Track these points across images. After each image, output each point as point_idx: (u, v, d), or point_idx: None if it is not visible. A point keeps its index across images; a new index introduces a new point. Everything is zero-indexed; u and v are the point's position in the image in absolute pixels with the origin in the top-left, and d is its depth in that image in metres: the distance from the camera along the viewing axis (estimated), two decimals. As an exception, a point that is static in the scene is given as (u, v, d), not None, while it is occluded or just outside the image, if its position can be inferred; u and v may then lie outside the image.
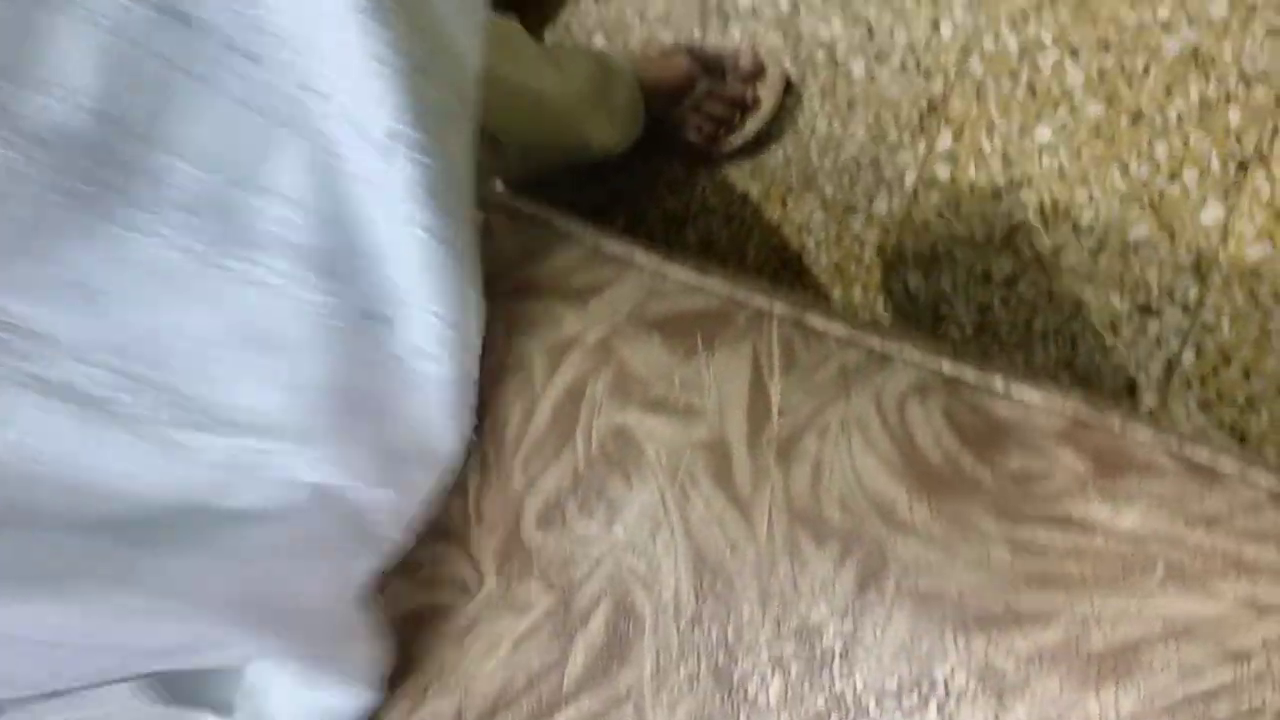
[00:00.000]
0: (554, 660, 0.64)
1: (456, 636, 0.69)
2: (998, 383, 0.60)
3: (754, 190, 1.20)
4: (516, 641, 0.66)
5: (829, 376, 0.61)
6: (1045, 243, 1.05)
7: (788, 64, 1.18)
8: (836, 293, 1.14)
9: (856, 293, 1.13)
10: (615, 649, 0.63)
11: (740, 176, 1.21)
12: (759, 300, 0.66)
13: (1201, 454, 0.55)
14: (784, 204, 1.18)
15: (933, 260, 1.10)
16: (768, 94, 1.18)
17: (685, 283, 0.68)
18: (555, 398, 0.66)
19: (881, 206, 1.13)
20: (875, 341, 0.63)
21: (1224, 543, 0.52)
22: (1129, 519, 0.54)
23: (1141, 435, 0.56)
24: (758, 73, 1.17)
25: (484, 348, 0.68)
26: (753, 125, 1.19)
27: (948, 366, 0.61)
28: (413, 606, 0.71)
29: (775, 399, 0.61)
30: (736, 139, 1.20)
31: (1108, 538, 0.54)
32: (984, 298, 1.07)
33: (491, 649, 0.67)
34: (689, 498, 0.61)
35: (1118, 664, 0.52)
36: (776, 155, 1.18)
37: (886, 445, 0.58)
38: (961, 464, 0.57)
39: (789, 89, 1.20)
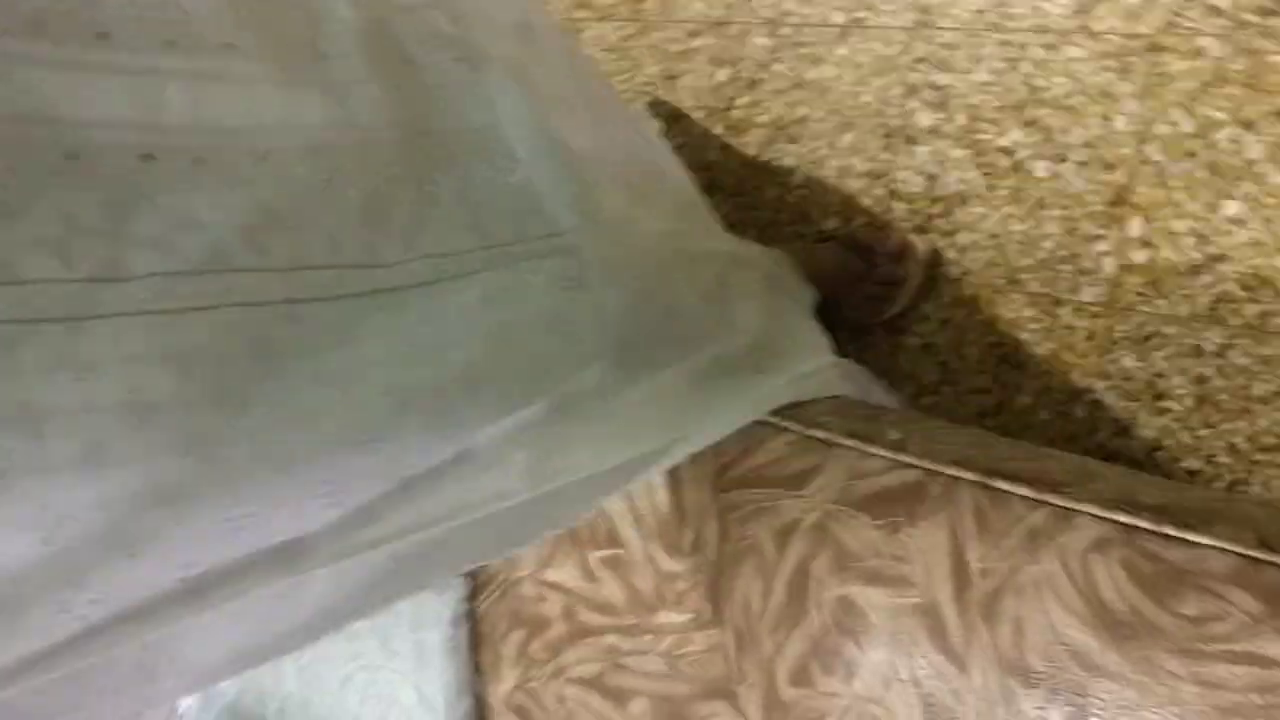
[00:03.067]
0: (821, 799, 0.75)
1: (739, 780, 0.81)
2: (1169, 528, 0.67)
3: (964, 294, 1.28)
4: (788, 783, 0.78)
5: (1019, 539, 0.70)
6: (1251, 310, 1.08)
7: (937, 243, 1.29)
8: (1056, 380, 1.20)
9: (1076, 379, 1.19)
10: (871, 788, 0.73)
11: (950, 284, 1.29)
12: (949, 469, 0.75)
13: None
14: (994, 303, 1.25)
15: (1144, 340, 1.15)
16: (914, 268, 1.31)
17: (884, 459, 0.78)
18: (787, 575, 0.78)
19: (1086, 295, 1.18)
20: (1056, 499, 0.71)
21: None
22: (1304, 652, 0.60)
23: (1311, 566, 0.63)
24: (904, 251, 1.29)
25: (722, 535, 0.81)
26: (903, 298, 1.34)
27: (1123, 517, 0.69)
28: (700, 754, 0.83)
29: (974, 564, 0.71)
30: (891, 311, 1.35)
31: (1286, 670, 0.60)
32: (1199, 370, 1.11)
33: (769, 790, 0.79)
34: (912, 655, 0.72)
35: (1310, 783, 0.59)
36: (979, 260, 1.26)
37: (1076, 600, 0.67)
38: (1143, 612, 0.65)
39: (934, 258, 1.32)
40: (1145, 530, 0.68)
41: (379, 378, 0.65)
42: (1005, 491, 0.73)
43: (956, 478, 0.75)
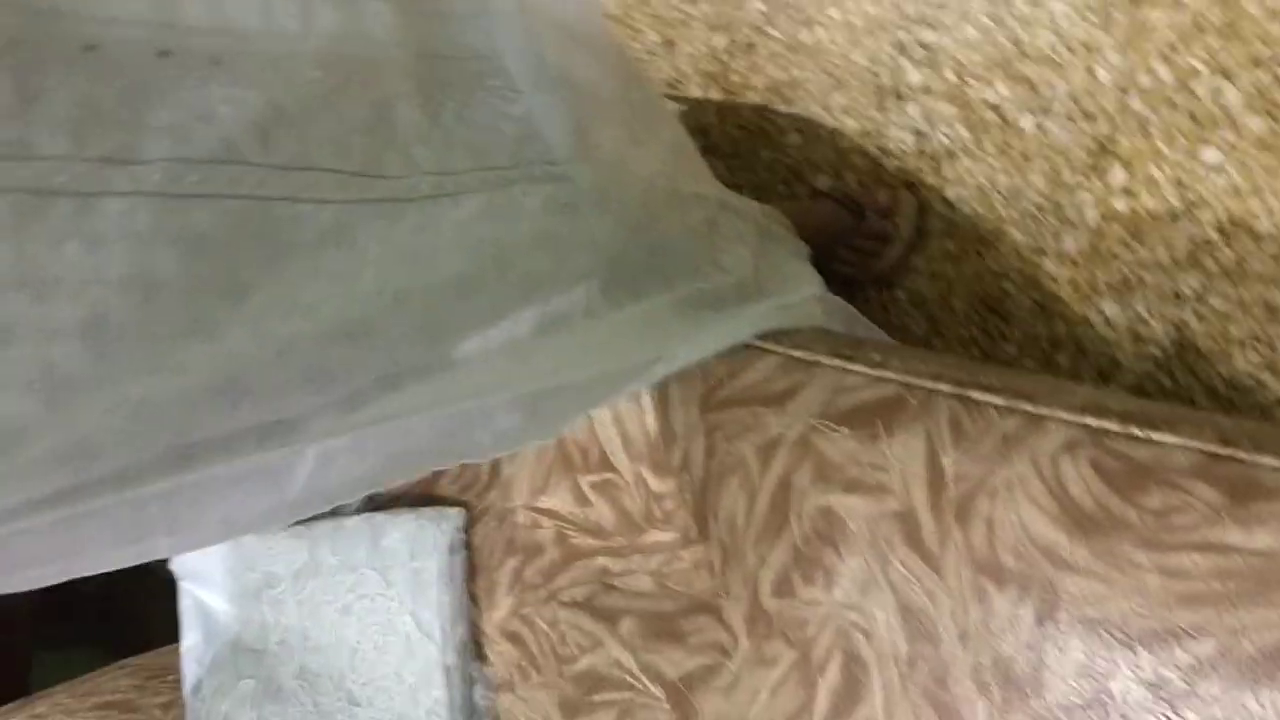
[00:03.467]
0: (802, 703, 0.78)
1: (724, 690, 0.83)
2: (1135, 429, 0.70)
3: (951, 247, 1.31)
4: (772, 690, 0.80)
5: (992, 444, 0.73)
6: (1228, 255, 1.10)
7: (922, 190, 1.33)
8: (1040, 329, 1.23)
9: (1059, 327, 1.22)
10: (850, 690, 0.76)
11: (938, 237, 1.32)
12: (927, 383, 0.78)
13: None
14: (980, 255, 1.28)
15: (1124, 287, 1.17)
16: (904, 223, 1.33)
17: (864, 375, 0.81)
18: (770, 489, 0.80)
19: (1069, 245, 1.21)
20: (1028, 406, 0.74)
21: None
22: (1262, 539, 0.63)
23: (1268, 461, 0.65)
24: (894, 206, 1.33)
25: (708, 452, 0.83)
26: (894, 252, 1.36)
27: (1092, 420, 0.71)
28: (688, 669, 0.86)
29: (949, 469, 0.73)
30: (881, 265, 1.37)
31: (1245, 557, 0.63)
32: (1178, 315, 1.14)
33: (753, 698, 0.81)
34: (889, 560, 0.74)
35: (1270, 666, 0.61)
36: (967, 213, 1.29)
37: (1046, 499, 0.69)
38: (1110, 507, 0.67)
39: (923, 213, 1.35)
40: (1112, 432, 0.71)
41: (375, 277, 0.68)
42: (980, 401, 0.76)
43: (933, 390, 0.78)
